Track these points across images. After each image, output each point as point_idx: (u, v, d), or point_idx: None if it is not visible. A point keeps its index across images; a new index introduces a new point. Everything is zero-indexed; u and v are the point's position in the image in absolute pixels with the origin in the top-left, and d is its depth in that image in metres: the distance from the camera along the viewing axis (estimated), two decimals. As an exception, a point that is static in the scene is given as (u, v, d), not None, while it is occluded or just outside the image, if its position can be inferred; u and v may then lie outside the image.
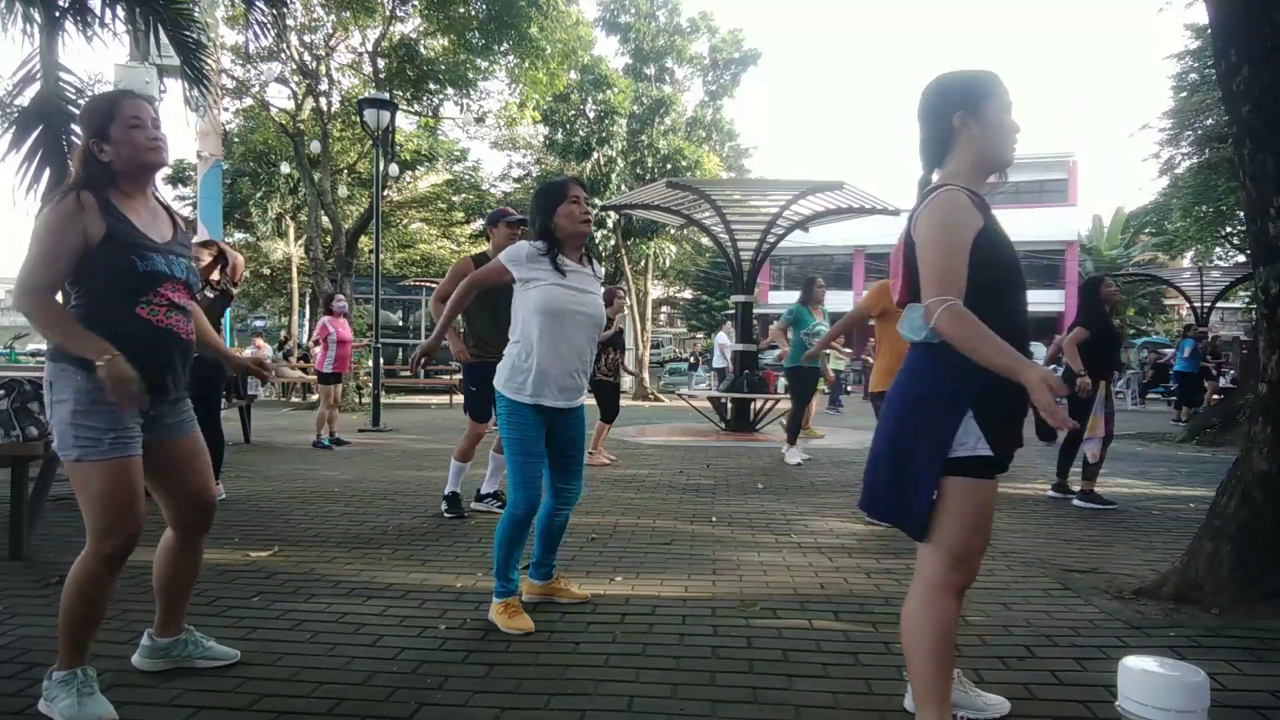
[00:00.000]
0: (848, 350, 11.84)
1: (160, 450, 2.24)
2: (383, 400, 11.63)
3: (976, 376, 1.79)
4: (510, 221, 4.70)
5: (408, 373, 19.46)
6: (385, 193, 16.60)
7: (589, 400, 3.61)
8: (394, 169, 17.46)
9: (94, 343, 2.01)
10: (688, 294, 38.02)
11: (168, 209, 2.35)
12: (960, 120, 1.92)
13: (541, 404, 2.86)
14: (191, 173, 19.58)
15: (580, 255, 3.02)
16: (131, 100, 2.22)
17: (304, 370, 17.18)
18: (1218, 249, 23.51)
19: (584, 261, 3.03)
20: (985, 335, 1.72)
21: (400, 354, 23.54)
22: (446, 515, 4.81)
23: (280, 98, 17.84)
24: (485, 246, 4.91)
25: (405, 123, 18.04)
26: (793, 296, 7.79)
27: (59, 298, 2.15)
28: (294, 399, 16.84)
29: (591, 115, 18.98)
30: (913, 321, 1.91)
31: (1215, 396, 13.59)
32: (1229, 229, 18.28)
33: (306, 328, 23.05)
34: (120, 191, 2.18)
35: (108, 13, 6.03)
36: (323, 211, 15.61)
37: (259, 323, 27.83)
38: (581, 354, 2.94)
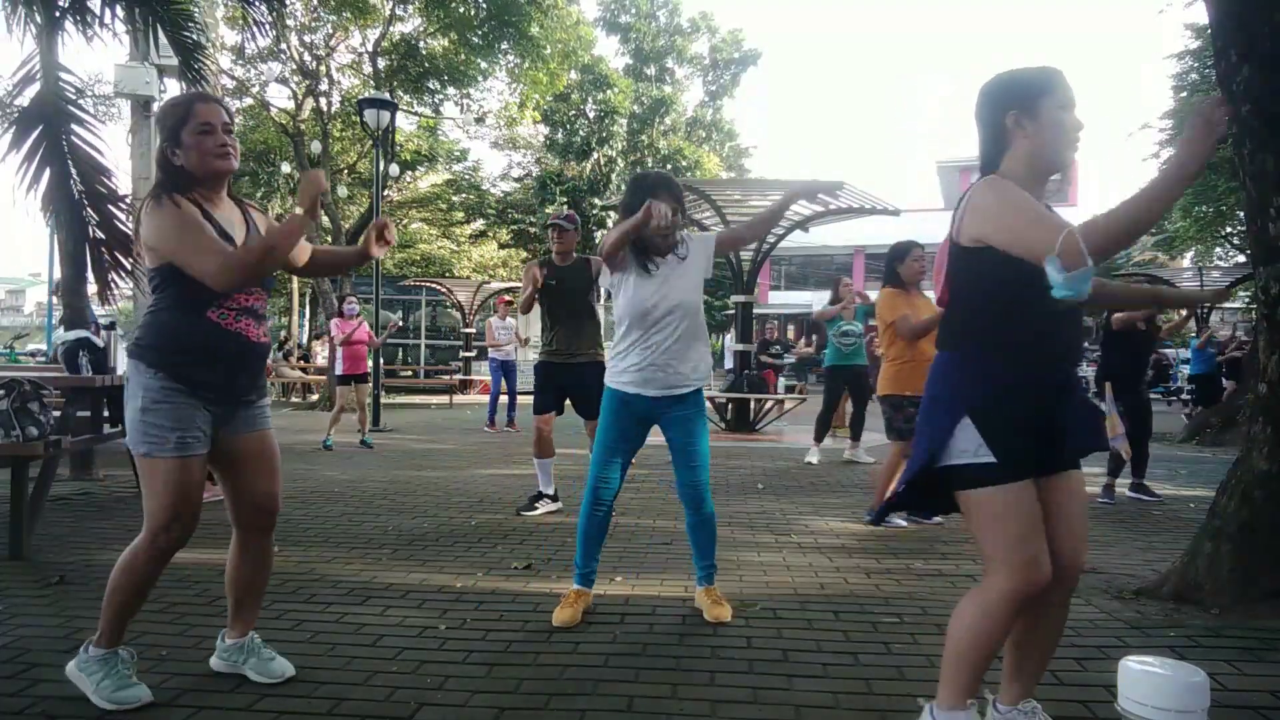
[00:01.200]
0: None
1: (229, 445, 2.28)
2: (383, 400, 11.63)
3: (976, 386, 1.80)
4: (548, 224, 4.93)
5: (408, 372, 19.51)
6: (385, 193, 16.58)
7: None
8: (394, 169, 17.45)
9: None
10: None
11: (242, 205, 2.34)
12: (1014, 120, 1.84)
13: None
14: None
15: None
16: (205, 104, 2.21)
17: (304, 370, 17.19)
18: (1218, 249, 23.49)
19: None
20: (1123, 208, 1.61)
21: (400, 354, 23.54)
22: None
23: (280, 98, 17.86)
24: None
25: (405, 123, 18.05)
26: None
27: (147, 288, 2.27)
28: (294, 399, 16.84)
29: (592, 115, 18.99)
30: (1055, 277, 1.64)
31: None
32: (1229, 229, 18.26)
33: (307, 328, 23.06)
34: (201, 194, 2.21)
35: (108, 13, 6.04)
36: (323, 211, 15.61)
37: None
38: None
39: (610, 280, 3.00)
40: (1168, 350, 20.82)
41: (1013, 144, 1.85)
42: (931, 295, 3.66)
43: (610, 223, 17.92)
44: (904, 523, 4.66)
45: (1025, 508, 1.77)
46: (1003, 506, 1.77)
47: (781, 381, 12.46)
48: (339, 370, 8.70)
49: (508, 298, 12.64)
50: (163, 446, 2.13)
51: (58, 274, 6.78)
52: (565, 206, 20.21)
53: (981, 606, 1.80)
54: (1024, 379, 1.80)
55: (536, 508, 4.90)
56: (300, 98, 16.29)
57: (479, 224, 26.18)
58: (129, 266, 6.39)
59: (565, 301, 4.80)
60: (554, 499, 4.99)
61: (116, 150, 9.55)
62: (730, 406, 10.44)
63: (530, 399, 5.13)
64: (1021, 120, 1.83)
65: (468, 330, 19.84)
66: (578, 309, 4.82)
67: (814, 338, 17.42)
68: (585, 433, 4.84)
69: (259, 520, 2.37)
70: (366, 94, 13.04)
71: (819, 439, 7.46)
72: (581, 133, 18.78)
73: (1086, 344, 5.76)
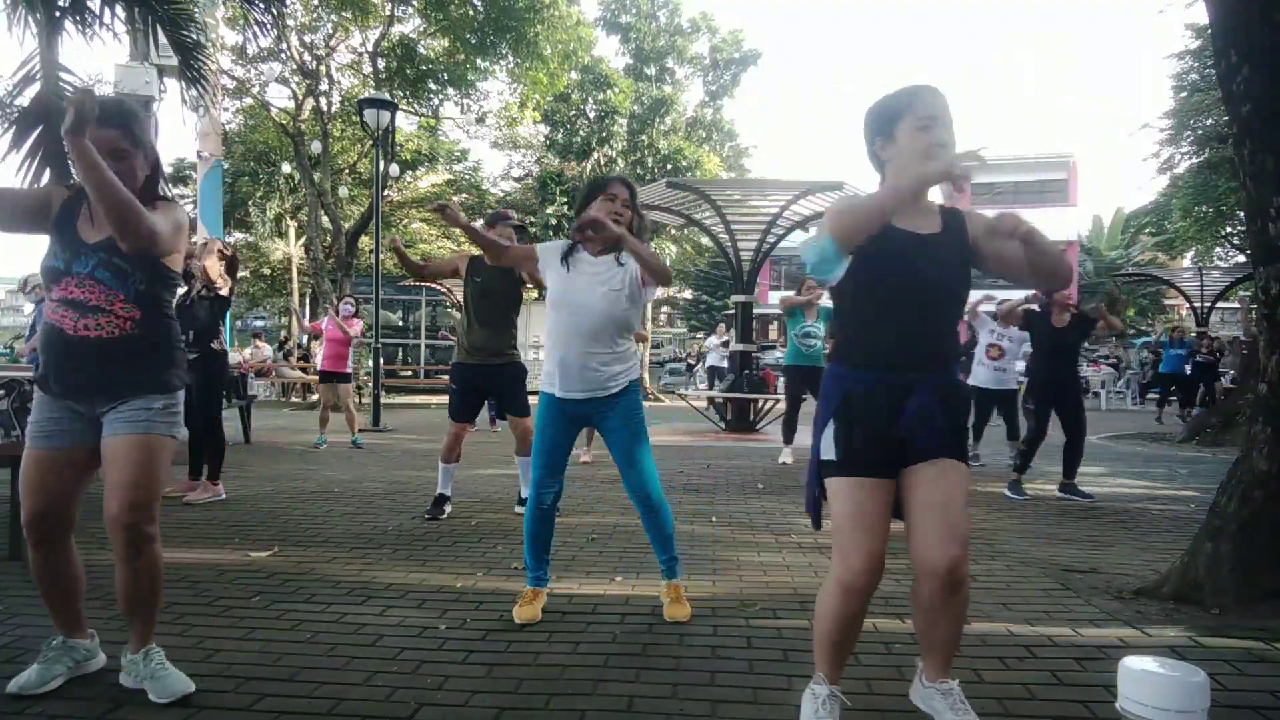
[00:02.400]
0: None
1: (102, 447, 2.24)
2: (383, 400, 11.63)
3: (838, 385, 1.99)
4: (508, 223, 4.69)
5: (408, 372, 19.51)
6: (385, 193, 16.59)
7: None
8: (394, 169, 17.47)
9: None
10: (688, 294, 38.05)
11: (150, 202, 2.24)
12: (879, 146, 2.01)
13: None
14: (191, 173, 19.56)
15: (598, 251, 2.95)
16: (95, 129, 2.09)
17: (304, 370, 17.19)
18: (1218, 249, 23.51)
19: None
20: (858, 200, 1.93)
21: (400, 354, 23.53)
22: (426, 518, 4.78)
23: (280, 98, 17.84)
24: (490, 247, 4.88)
25: (405, 123, 18.06)
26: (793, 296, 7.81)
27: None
28: (294, 399, 16.84)
29: (592, 115, 18.99)
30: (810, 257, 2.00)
31: (1222, 396, 13.65)
32: (1229, 229, 18.27)
33: (306, 321, 23.03)
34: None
35: (107, 13, 6.04)
36: (323, 211, 15.62)
37: (259, 323, 27.82)
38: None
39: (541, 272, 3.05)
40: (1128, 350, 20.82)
41: (885, 168, 2.03)
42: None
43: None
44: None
45: (856, 504, 1.93)
46: (838, 500, 1.96)
47: (781, 381, 12.45)
48: (319, 367, 8.77)
49: None
50: (27, 436, 2.26)
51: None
52: (565, 206, 20.20)
53: (823, 589, 2.03)
54: (870, 385, 1.95)
55: (444, 511, 4.80)
56: (300, 98, 16.31)
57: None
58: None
59: (491, 300, 4.70)
60: (449, 500, 4.89)
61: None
62: (730, 406, 10.44)
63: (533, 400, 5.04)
64: (886, 145, 2.00)
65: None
66: (503, 310, 4.73)
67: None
68: (514, 432, 4.80)
69: (111, 532, 2.22)
70: (366, 94, 13.05)
71: (788, 439, 7.46)
72: (582, 133, 18.78)
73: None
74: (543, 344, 4.43)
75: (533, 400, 3.55)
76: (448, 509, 4.84)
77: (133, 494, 2.19)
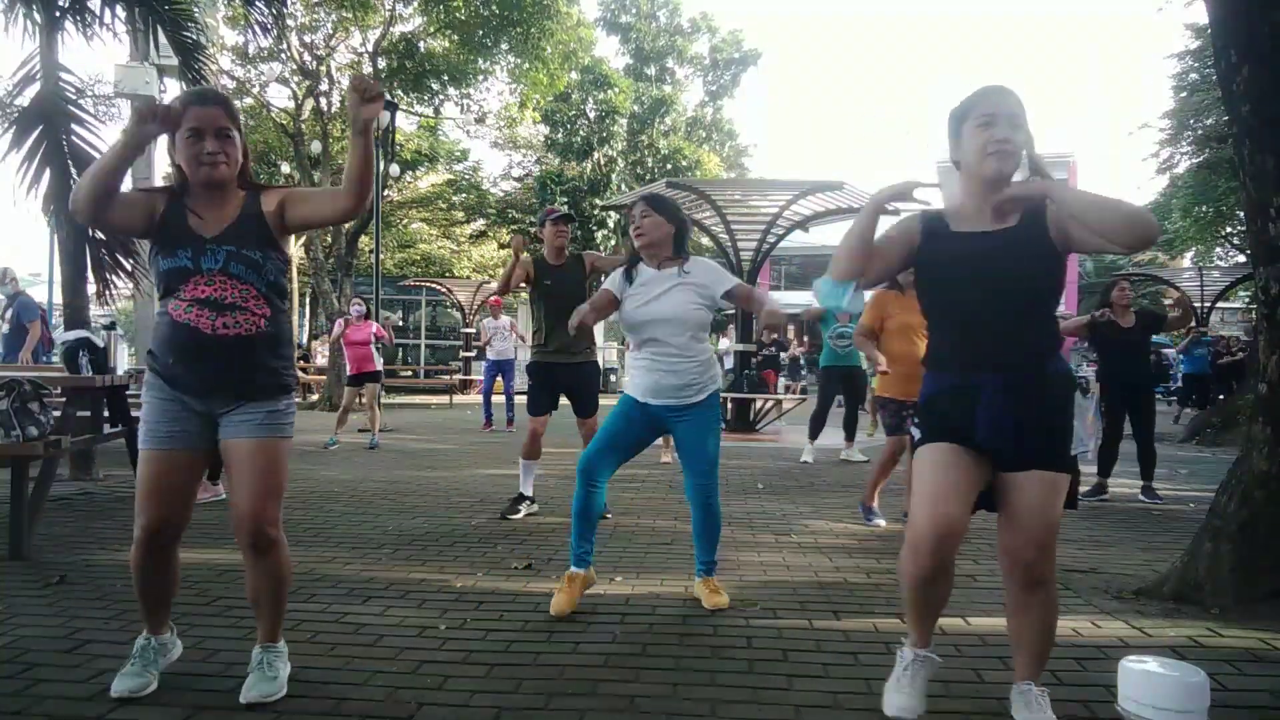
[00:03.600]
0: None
1: (224, 449, 2.22)
2: (383, 400, 11.62)
3: (924, 387, 2.12)
4: (553, 219, 4.87)
5: (408, 372, 19.51)
6: (385, 193, 16.57)
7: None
8: (394, 169, 17.45)
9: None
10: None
11: (255, 193, 2.25)
12: (953, 148, 2.07)
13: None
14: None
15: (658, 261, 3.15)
16: (200, 107, 2.12)
17: (303, 370, 17.18)
18: (1218, 249, 23.49)
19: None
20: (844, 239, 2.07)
21: (400, 354, 23.55)
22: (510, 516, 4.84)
23: (280, 98, 17.81)
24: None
25: (405, 123, 18.05)
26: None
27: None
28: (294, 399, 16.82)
29: (592, 115, 19.00)
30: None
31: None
32: (1229, 229, 18.26)
33: (306, 327, 23.05)
34: (198, 197, 2.19)
35: (108, 13, 6.03)
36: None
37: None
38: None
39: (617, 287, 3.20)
40: (1167, 351, 20.79)
41: (959, 168, 2.08)
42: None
43: (610, 223, 17.90)
44: (883, 523, 4.68)
45: (931, 463, 2.00)
46: (918, 462, 2.06)
47: (781, 381, 12.48)
48: (348, 371, 8.73)
49: (496, 298, 12.65)
50: (144, 439, 2.18)
51: (58, 274, 6.77)
52: (565, 206, 20.22)
53: (902, 551, 2.05)
54: (943, 386, 2.05)
55: (519, 510, 4.84)
56: (300, 98, 16.29)
57: (479, 224, 26.16)
58: (129, 267, 6.39)
59: (564, 301, 4.72)
60: (532, 501, 4.94)
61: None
62: (730, 406, 10.44)
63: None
64: (956, 147, 2.06)
65: (468, 330, 19.85)
66: (573, 309, 4.79)
67: (805, 339, 17.49)
68: (580, 432, 4.81)
69: (238, 533, 2.22)
70: (366, 94, 13.01)
71: (813, 437, 7.51)
72: (582, 133, 18.79)
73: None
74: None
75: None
76: (523, 509, 4.85)
77: (263, 498, 2.20)
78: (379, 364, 8.76)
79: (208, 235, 2.15)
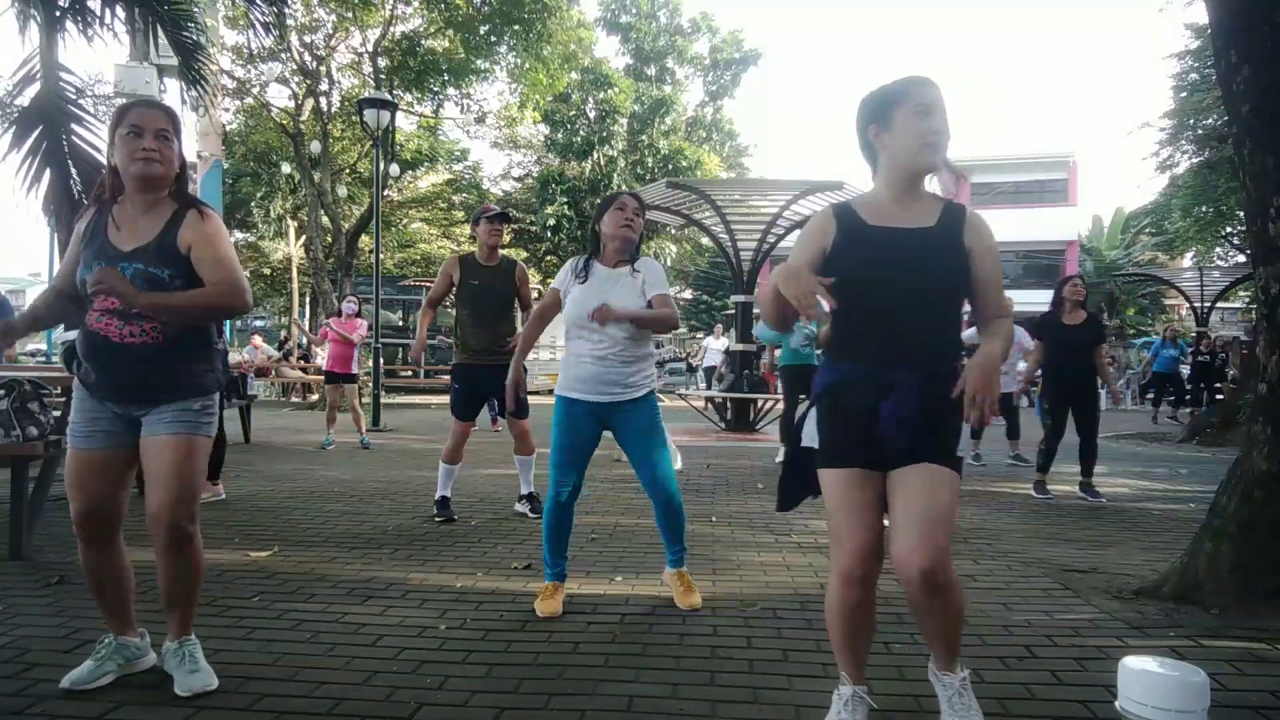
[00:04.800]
0: None
1: (142, 446, 2.28)
2: (383, 400, 11.63)
3: (822, 376, 2.05)
4: (489, 217, 4.74)
5: (408, 372, 19.51)
6: (385, 193, 16.59)
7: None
8: (394, 169, 17.46)
9: None
10: (688, 294, 38.00)
11: (186, 210, 2.30)
12: (874, 133, 1.98)
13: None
14: (192, 173, 19.55)
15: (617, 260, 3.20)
16: (144, 109, 2.24)
17: (304, 370, 17.19)
18: (1218, 249, 23.46)
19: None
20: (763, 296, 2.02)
21: (400, 354, 23.53)
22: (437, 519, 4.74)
23: (281, 98, 17.80)
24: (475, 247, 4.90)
25: (405, 123, 18.06)
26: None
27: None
28: (294, 399, 16.85)
29: (592, 115, 19.01)
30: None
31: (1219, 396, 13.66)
32: (1229, 229, 18.24)
33: (306, 328, 23.05)
34: (131, 198, 2.27)
35: (108, 13, 6.03)
36: (323, 211, 15.62)
37: (258, 323, 27.81)
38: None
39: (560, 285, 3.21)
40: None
41: (879, 156, 2.00)
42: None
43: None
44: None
45: (844, 494, 1.95)
46: (829, 490, 1.99)
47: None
48: (325, 368, 8.75)
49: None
50: (68, 438, 2.30)
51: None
52: (566, 206, 20.17)
53: (828, 584, 2.02)
54: (847, 377, 1.98)
55: (449, 514, 4.73)
56: (300, 98, 16.30)
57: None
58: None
59: (490, 302, 4.69)
60: (447, 503, 4.79)
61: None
62: (730, 406, 10.44)
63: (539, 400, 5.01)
64: (880, 133, 1.97)
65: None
66: (499, 309, 4.74)
67: None
68: (511, 431, 4.79)
69: (153, 529, 2.25)
70: (366, 94, 13.04)
71: (784, 439, 7.51)
72: (582, 133, 18.80)
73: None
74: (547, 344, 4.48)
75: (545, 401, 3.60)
76: (450, 510, 4.79)
77: (174, 493, 2.24)
78: (355, 368, 8.76)
79: (124, 249, 2.23)
